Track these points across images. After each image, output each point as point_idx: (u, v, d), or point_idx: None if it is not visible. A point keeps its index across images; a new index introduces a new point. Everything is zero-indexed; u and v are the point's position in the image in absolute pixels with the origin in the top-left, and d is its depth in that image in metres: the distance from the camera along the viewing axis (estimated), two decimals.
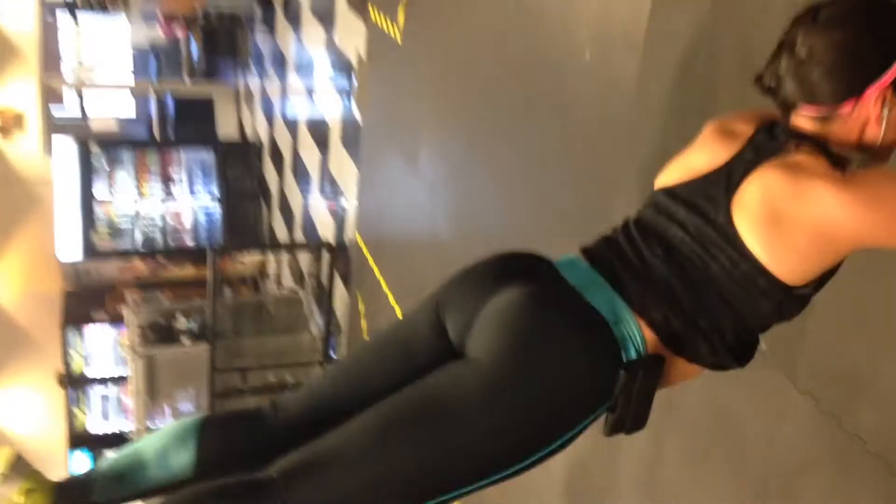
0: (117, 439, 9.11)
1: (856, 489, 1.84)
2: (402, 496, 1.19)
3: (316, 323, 6.00)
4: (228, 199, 8.92)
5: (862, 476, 1.81)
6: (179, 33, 9.46)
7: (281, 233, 8.20)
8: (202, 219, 8.97)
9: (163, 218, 8.96)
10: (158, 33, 9.94)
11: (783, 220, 1.17)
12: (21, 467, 1.26)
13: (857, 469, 1.83)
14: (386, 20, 5.00)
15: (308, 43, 7.24)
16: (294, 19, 7.67)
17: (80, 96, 12.66)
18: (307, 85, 7.25)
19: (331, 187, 6.51)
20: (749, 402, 2.15)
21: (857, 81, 1.18)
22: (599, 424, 1.29)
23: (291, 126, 7.87)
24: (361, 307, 5.68)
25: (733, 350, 1.28)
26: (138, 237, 8.88)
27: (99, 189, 8.98)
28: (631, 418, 1.24)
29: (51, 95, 11.14)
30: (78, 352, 8.72)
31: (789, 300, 1.23)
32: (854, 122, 1.21)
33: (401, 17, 4.72)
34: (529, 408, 1.19)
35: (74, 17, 12.27)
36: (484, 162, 3.78)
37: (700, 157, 1.32)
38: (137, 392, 5.78)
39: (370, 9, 5.32)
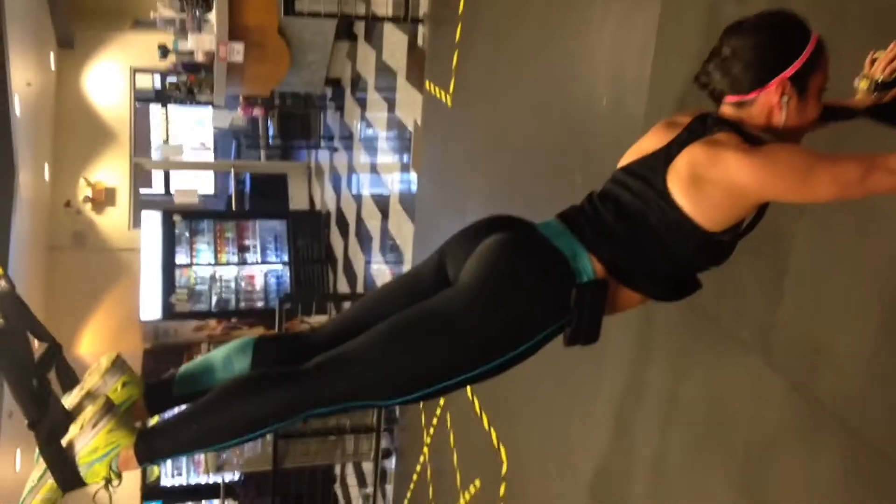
0: (188, 493, 9.52)
1: (818, 447, 2.08)
2: (404, 383, 1.54)
3: None
4: (297, 263, 9.48)
5: (822, 435, 2.07)
6: (258, 113, 10.25)
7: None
8: (272, 282, 9.54)
9: (236, 281, 9.57)
10: (239, 115, 10.77)
11: (703, 181, 1.52)
12: (122, 365, 1.65)
13: (818, 430, 2.08)
14: (438, 89, 5.54)
15: (372, 118, 7.86)
16: (360, 98, 8.33)
17: (166, 175, 13.69)
18: (371, 157, 7.84)
19: (391, 246, 6.98)
20: (733, 387, 2.42)
21: (764, 74, 1.54)
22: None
23: (356, 195, 8.44)
24: None
25: (667, 282, 1.62)
26: (214, 299, 9.49)
27: (179, 256, 9.67)
28: (584, 331, 1.58)
29: (140, 174, 12.12)
30: None
31: (710, 243, 1.56)
32: (762, 107, 1.56)
33: (451, 85, 5.24)
34: (503, 316, 1.53)
35: (165, 107, 13.38)
36: (521, 207, 4.17)
37: (649, 141, 1.68)
38: None
39: (426, 82, 5.88)
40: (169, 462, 9.63)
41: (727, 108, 1.61)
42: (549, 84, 3.84)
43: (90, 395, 1.62)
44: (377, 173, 7.64)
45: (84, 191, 11.28)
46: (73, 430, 1.54)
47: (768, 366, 2.26)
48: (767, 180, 1.47)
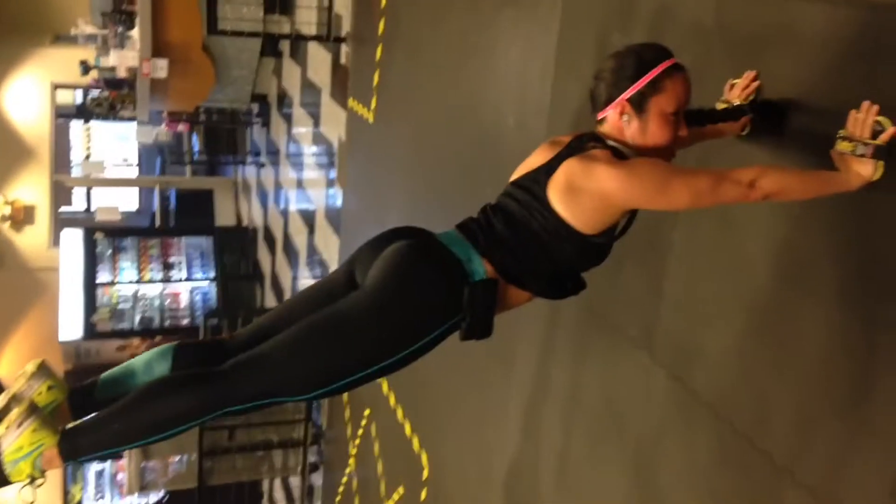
0: None
1: (695, 434, 2.31)
2: (315, 379, 1.68)
3: None
4: (224, 279, 9.47)
5: (698, 423, 2.29)
6: (183, 129, 10.21)
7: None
8: (198, 299, 9.51)
9: (161, 299, 9.50)
10: (164, 130, 10.70)
11: (577, 190, 1.73)
12: (46, 370, 1.75)
13: (695, 418, 2.30)
14: (361, 106, 5.70)
15: (298, 134, 7.97)
16: (286, 114, 8.43)
17: (88, 192, 13.45)
18: (298, 172, 7.94)
19: (317, 261, 7.08)
20: (625, 382, 2.64)
21: (611, 94, 1.76)
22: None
23: (283, 211, 8.52)
24: None
25: (551, 281, 1.82)
26: (137, 318, 9.39)
27: (102, 274, 9.54)
28: (478, 326, 1.76)
29: (60, 192, 11.90)
30: None
31: (587, 246, 1.77)
32: (612, 124, 1.79)
33: (373, 102, 5.41)
34: (403, 314, 1.70)
35: (86, 122, 13.18)
36: (439, 218, 4.35)
37: (536, 158, 1.89)
38: (132, 452, 6.16)
39: (349, 99, 6.04)
40: (91, 483, 9.47)
41: (600, 126, 1.83)
42: (462, 103, 4.05)
43: (16, 398, 1.72)
44: (304, 189, 7.74)
45: (2, 209, 11.02)
46: (0, 430, 1.64)
47: (653, 361, 2.48)
48: (631, 189, 1.68)
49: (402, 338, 1.71)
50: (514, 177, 1.92)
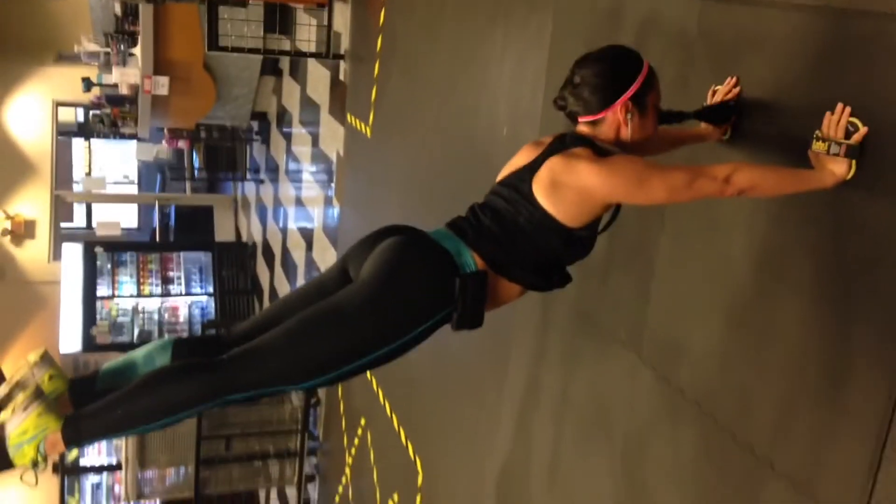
0: None
1: (680, 431, 2.37)
2: (311, 368, 1.74)
3: (297, 395, 6.49)
4: (222, 294, 9.53)
5: (683, 420, 2.35)
6: (183, 145, 10.31)
7: None
8: (196, 313, 9.56)
9: (160, 312, 9.55)
10: (164, 148, 10.80)
11: (560, 186, 1.81)
12: (49, 360, 1.82)
13: (680, 415, 2.36)
14: (359, 121, 5.80)
15: (297, 150, 8.07)
16: (286, 132, 8.54)
17: (88, 208, 13.53)
18: (296, 188, 8.03)
19: (315, 275, 7.14)
20: (613, 382, 2.71)
21: (609, 97, 1.84)
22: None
23: (282, 226, 8.60)
24: None
25: (538, 272, 1.89)
26: (136, 331, 9.43)
27: (101, 288, 9.60)
28: (469, 316, 1.82)
29: (61, 208, 11.99)
30: None
31: (572, 238, 1.85)
32: (611, 124, 1.87)
33: (371, 117, 5.51)
34: (396, 305, 1.76)
35: (88, 141, 13.28)
36: (436, 226, 4.43)
37: (520, 158, 1.97)
38: (128, 459, 6.19)
39: (348, 115, 6.14)
40: (88, 493, 9.43)
41: (582, 127, 1.91)
42: (457, 115, 4.14)
43: (20, 385, 1.78)
44: (302, 204, 7.82)
45: (3, 223, 11.10)
46: (5, 414, 1.71)
47: (640, 361, 2.55)
48: (611, 184, 1.77)
49: (397, 328, 1.78)
50: (499, 177, 2.01)
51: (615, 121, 1.86)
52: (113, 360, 1.92)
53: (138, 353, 1.90)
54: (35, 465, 1.75)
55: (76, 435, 1.74)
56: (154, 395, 1.75)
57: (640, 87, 1.83)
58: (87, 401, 1.89)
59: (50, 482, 8.75)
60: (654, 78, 1.86)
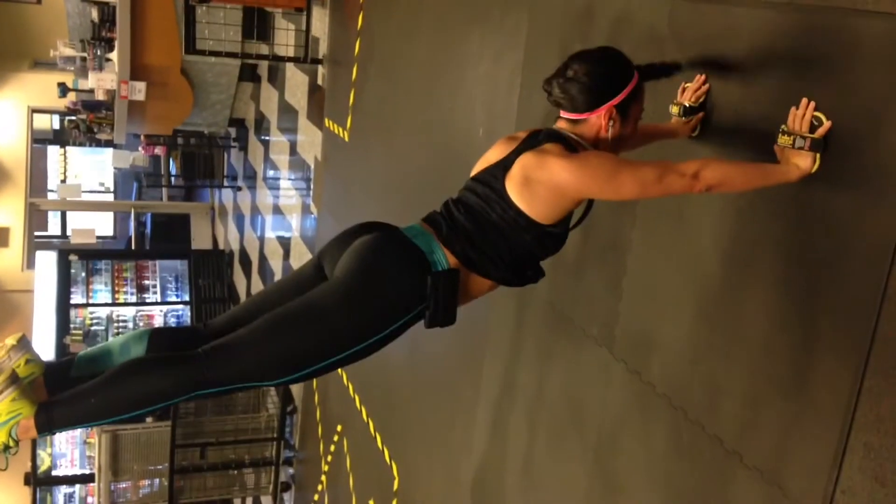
0: None
1: (651, 424, 2.39)
2: (285, 365, 1.74)
3: (273, 402, 6.45)
4: (199, 302, 9.46)
5: (654, 413, 2.37)
6: (160, 152, 10.25)
7: None
8: (172, 321, 9.48)
9: (135, 321, 9.46)
10: (140, 155, 10.73)
11: (532, 182, 1.82)
12: (26, 344, 1.80)
13: (651, 409, 2.38)
14: (337, 126, 5.81)
15: (275, 157, 8.05)
16: (264, 138, 8.52)
17: (63, 217, 13.41)
18: (274, 195, 8.01)
19: None
20: (586, 378, 2.72)
21: (597, 100, 1.87)
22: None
23: (259, 234, 8.56)
24: (315, 384, 6.18)
25: (510, 268, 1.90)
26: (110, 339, 9.34)
27: (75, 296, 9.49)
28: (441, 314, 1.83)
29: (36, 217, 11.87)
30: (46, 451, 8.96)
31: (544, 235, 1.86)
32: (593, 126, 1.89)
33: (349, 121, 5.52)
34: (370, 302, 1.77)
35: (63, 148, 13.18)
36: None
37: (493, 153, 1.99)
38: (101, 469, 6.12)
39: (326, 119, 6.15)
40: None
41: (562, 122, 1.93)
42: (433, 117, 4.16)
43: None
44: (280, 212, 7.80)
45: None
46: None
47: (612, 356, 2.57)
48: (582, 179, 1.79)
49: (370, 326, 1.78)
50: (473, 172, 2.02)
51: (597, 124, 1.88)
52: (90, 348, 1.91)
53: (115, 342, 1.89)
54: (6, 449, 1.74)
55: (49, 422, 1.73)
56: (128, 386, 1.74)
57: (626, 97, 1.86)
58: (63, 387, 1.87)
59: (22, 493, 8.62)
60: (641, 90, 1.90)
